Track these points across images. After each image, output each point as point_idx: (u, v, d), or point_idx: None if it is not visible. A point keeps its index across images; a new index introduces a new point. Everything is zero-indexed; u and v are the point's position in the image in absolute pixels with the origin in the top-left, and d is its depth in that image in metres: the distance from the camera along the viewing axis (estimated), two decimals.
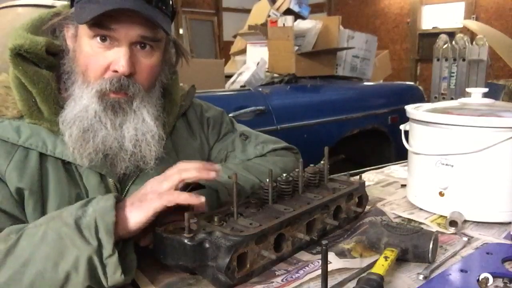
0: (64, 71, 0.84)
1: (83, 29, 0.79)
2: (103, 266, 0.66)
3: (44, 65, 0.83)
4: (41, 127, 0.80)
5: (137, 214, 0.70)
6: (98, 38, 0.78)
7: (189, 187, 0.93)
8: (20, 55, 0.80)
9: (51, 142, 0.80)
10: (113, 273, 0.67)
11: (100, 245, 0.66)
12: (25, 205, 0.77)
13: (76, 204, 0.71)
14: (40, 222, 0.71)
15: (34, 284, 0.65)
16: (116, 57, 0.79)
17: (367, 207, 1.03)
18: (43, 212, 0.78)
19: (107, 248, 0.66)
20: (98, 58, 0.79)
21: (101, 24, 0.77)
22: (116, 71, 0.79)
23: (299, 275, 0.75)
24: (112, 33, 0.78)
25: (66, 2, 0.94)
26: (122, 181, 0.87)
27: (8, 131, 0.78)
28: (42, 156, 0.80)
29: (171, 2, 0.85)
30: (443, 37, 3.90)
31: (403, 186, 1.22)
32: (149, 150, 0.85)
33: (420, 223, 0.98)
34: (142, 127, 0.84)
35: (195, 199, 0.72)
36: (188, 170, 0.74)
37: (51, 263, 0.66)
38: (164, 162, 0.88)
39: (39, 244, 0.67)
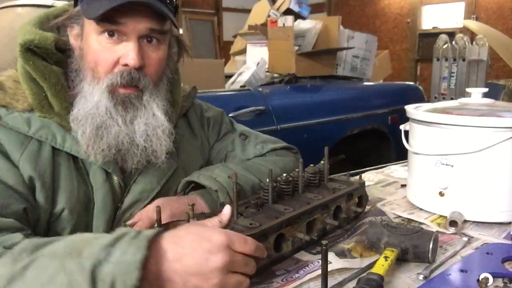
0: (72, 69, 0.85)
1: (90, 26, 0.80)
2: None
3: (53, 60, 0.84)
4: (51, 120, 0.81)
5: None
6: (106, 34, 0.79)
7: (189, 186, 0.93)
8: (30, 50, 0.80)
9: (61, 136, 0.81)
10: None
11: None
12: (37, 195, 0.77)
13: (103, 239, 0.59)
14: (58, 252, 0.59)
15: None
16: (125, 51, 0.79)
17: (367, 207, 1.03)
18: (53, 203, 0.79)
19: None
20: (107, 53, 0.80)
21: (110, 19, 0.77)
22: (126, 65, 0.80)
23: (299, 275, 0.75)
24: (120, 27, 0.78)
25: (66, 3, 0.94)
26: (126, 179, 0.88)
27: (18, 122, 0.79)
28: (55, 150, 0.80)
29: None
30: (443, 37, 3.89)
31: (403, 186, 1.22)
32: (159, 144, 0.85)
33: (420, 223, 0.98)
34: (152, 121, 0.85)
35: None
36: (249, 266, 0.63)
37: None
38: (169, 159, 0.89)
39: (46, 285, 0.57)
